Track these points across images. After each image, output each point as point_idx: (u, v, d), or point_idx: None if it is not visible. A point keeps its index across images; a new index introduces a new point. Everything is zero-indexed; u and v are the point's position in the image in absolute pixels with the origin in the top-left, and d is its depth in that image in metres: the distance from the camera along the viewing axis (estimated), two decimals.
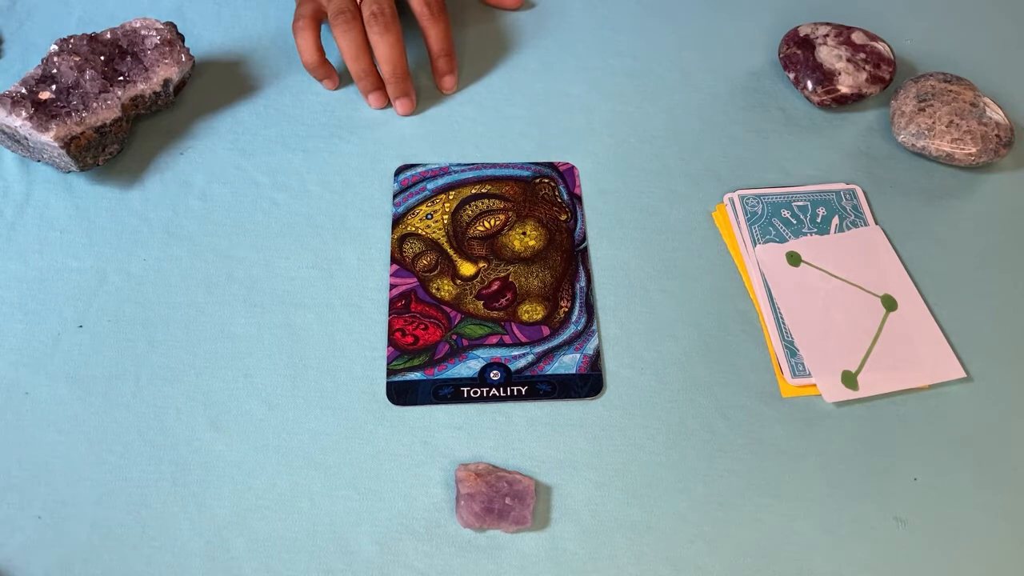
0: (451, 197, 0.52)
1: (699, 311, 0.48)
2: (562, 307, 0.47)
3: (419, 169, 0.53)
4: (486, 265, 0.49)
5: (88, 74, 0.49)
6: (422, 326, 0.46)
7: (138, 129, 0.54)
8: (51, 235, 0.49)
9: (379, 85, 0.55)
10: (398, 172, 0.53)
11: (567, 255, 0.49)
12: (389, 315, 0.46)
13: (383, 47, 0.53)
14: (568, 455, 0.43)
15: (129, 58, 0.52)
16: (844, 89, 0.55)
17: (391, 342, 0.46)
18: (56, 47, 0.50)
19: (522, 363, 0.45)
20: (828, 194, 0.53)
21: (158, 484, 0.41)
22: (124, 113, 0.50)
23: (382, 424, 0.43)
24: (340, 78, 0.57)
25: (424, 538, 0.40)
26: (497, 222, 0.51)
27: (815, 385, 0.45)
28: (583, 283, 0.48)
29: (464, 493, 0.40)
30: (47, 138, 0.47)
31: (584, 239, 0.50)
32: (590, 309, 0.47)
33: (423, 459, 0.42)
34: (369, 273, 0.48)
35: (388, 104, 0.55)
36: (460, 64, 0.59)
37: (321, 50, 0.55)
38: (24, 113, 0.47)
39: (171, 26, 0.54)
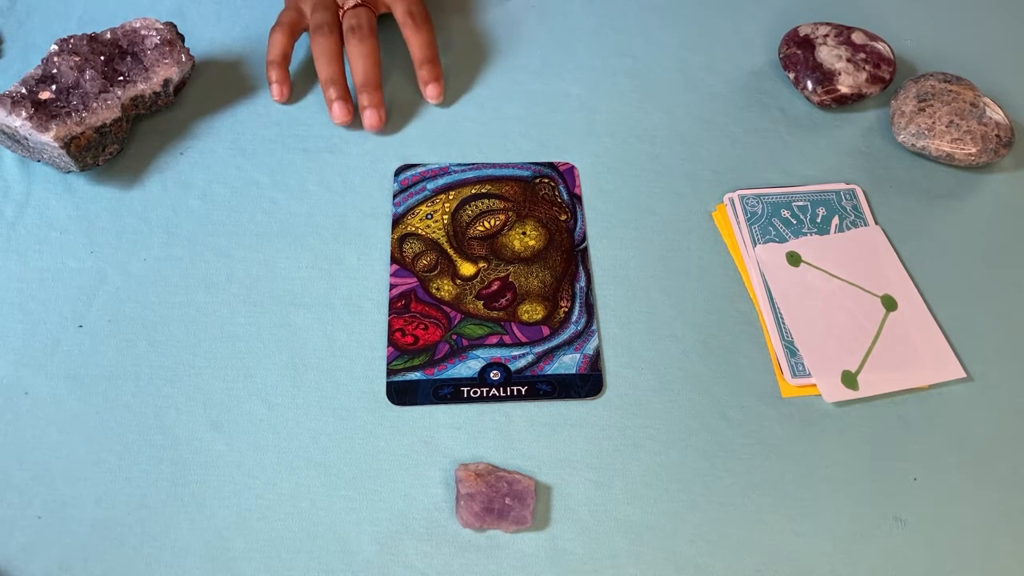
0: (451, 197, 0.52)
1: (699, 311, 0.48)
2: (562, 307, 0.47)
3: (419, 169, 0.53)
4: (486, 265, 0.49)
5: (88, 74, 0.49)
6: (422, 326, 0.46)
7: (138, 129, 0.54)
8: (51, 235, 0.49)
9: (345, 95, 0.54)
10: (398, 172, 0.53)
11: (567, 255, 0.49)
12: (389, 315, 0.46)
13: (357, 57, 0.54)
14: (568, 455, 0.43)
15: (129, 58, 0.52)
16: (844, 89, 0.55)
17: (391, 342, 0.46)
18: (56, 47, 0.50)
19: (522, 363, 0.45)
20: (828, 194, 0.53)
21: (158, 484, 0.41)
22: (124, 113, 0.50)
23: (382, 424, 0.43)
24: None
25: (424, 538, 0.40)
26: (497, 222, 0.51)
27: (815, 385, 0.45)
28: (583, 283, 0.48)
29: (464, 493, 0.40)
30: (47, 138, 0.47)
31: (584, 239, 0.50)
32: (590, 309, 0.47)
33: (423, 459, 0.42)
34: (369, 273, 0.48)
35: (350, 118, 0.54)
36: (461, 63, 0.59)
37: (286, 54, 0.55)
38: (24, 113, 0.47)
39: (171, 26, 0.54)
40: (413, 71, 0.58)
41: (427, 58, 0.56)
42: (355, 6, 0.55)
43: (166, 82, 0.52)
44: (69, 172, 0.51)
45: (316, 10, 0.55)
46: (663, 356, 0.46)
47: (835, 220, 0.51)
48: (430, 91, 0.56)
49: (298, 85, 0.57)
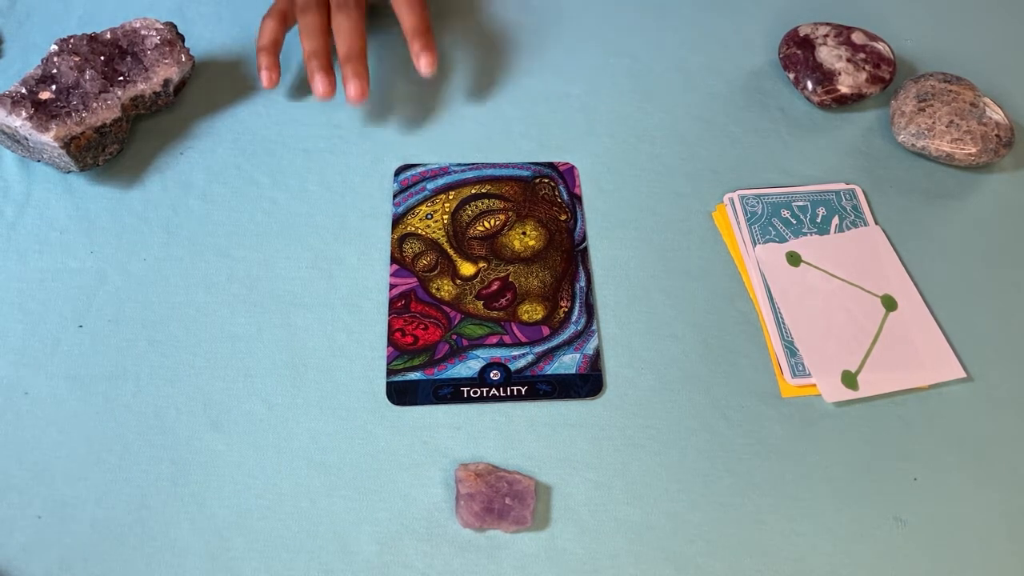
0: (451, 197, 0.52)
1: (699, 311, 0.48)
2: (562, 307, 0.47)
3: (419, 169, 0.53)
4: (486, 265, 0.49)
5: (88, 74, 0.49)
6: (422, 326, 0.46)
7: (138, 129, 0.54)
8: (51, 235, 0.49)
9: (327, 67, 0.52)
10: (398, 172, 0.53)
11: (567, 255, 0.49)
12: (389, 315, 0.46)
13: (342, 30, 0.52)
14: (568, 455, 0.43)
15: (129, 58, 0.52)
16: (844, 89, 0.55)
17: (391, 342, 0.46)
18: (56, 47, 0.50)
19: (522, 363, 0.45)
20: (828, 194, 0.53)
21: (158, 484, 0.41)
22: (124, 113, 0.50)
23: (382, 424, 0.43)
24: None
25: (424, 538, 0.40)
26: (497, 222, 0.51)
27: (815, 385, 0.45)
28: (583, 283, 0.48)
29: (464, 493, 0.40)
30: (47, 138, 0.47)
31: (584, 239, 0.50)
32: (590, 309, 0.47)
33: (423, 459, 0.42)
34: (369, 273, 0.48)
35: (333, 90, 0.52)
36: (461, 63, 0.59)
37: (277, 41, 0.54)
38: (24, 113, 0.47)
39: (171, 26, 0.54)
40: (412, 72, 0.58)
41: (419, 29, 0.53)
42: None
43: (166, 82, 0.52)
44: (69, 172, 0.51)
45: None
46: (663, 356, 0.46)
47: (835, 220, 0.51)
48: (423, 62, 0.53)
49: (299, 85, 0.57)
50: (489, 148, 0.54)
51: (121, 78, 0.51)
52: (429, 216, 0.51)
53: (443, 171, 0.53)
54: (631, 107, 0.57)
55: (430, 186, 0.52)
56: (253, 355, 0.45)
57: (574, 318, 0.47)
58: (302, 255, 0.49)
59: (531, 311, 0.47)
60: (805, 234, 0.51)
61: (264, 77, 0.54)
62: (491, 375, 0.45)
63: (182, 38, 0.54)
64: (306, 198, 0.51)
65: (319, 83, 0.52)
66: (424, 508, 0.41)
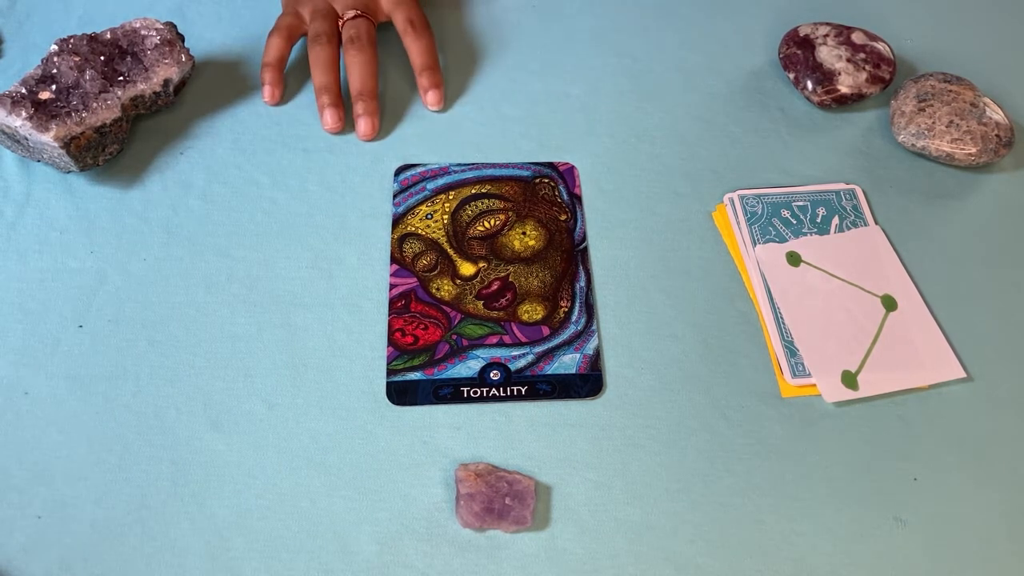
0: (451, 197, 0.52)
1: (699, 311, 0.48)
2: (562, 307, 0.47)
3: (419, 169, 0.53)
4: (486, 265, 0.49)
5: (88, 74, 0.49)
6: (422, 326, 0.46)
7: (138, 129, 0.54)
8: (51, 235, 0.49)
9: (337, 102, 0.54)
10: (398, 172, 0.53)
11: (567, 255, 0.49)
12: (389, 315, 0.46)
13: (355, 66, 0.54)
14: (568, 455, 0.43)
15: (129, 58, 0.52)
16: (844, 89, 0.55)
17: (391, 342, 0.46)
18: (56, 47, 0.50)
19: (522, 363, 0.45)
20: (828, 194, 0.53)
21: (158, 484, 0.41)
22: (124, 113, 0.50)
23: (382, 424, 0.43)
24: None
25: (424, 538, 0.40)
26: (497, 222, 0.51)
27: (815, 385, 0.45)
28: (583, 283, 0.48)
29: (464, 493, 0.40)
30: (47, 138, 0.47)
31: (584, 239, 0.50)
32: (590, 309, 0.47)
33: (423, 459, 0.42)
34: (369, 273, 0.48)
35: (342, 124, 0.54)
36: (461, 63, 0.59)
37: (282, 58, 0.55)
38: (24, 113, 0.47)
39: (171, 26, 0.54)
40: (412, 72, 0.58)
41: (427, 65, 0.56)
42: (354, 17, 0.55)
43: (166, 82, 0.52)
44: (69, 172, 0.51)
45: (315, 19, 0.56)
46: (663, 356, 0.46)
47: (835, 220, 0.51)
48: (430, 98, 0.56)
49: (299, 85, 0.57)
50: (489, 148, 0.54)
51: (121, 78, 0.51)
52: (429, 216, 0.51)
53: (443, 171, 0.53)
54: (631, 107, 0.57)
55: (430, 186, 0.52)
56: (253, 355, 0.45)
57: (574, 318, 0.47)
58: (302, 255, 0.49)
59: (531, 311, 0.47)
60: (805, 234, 0.51)
61: (267, 92, 0.55)
62: (491, 375, 0.45)
63: (182, 38, 0.54)
64: (306, 198, 0.51)
65: (329, 118, 0.54)
66: (424, 508, 0.41)
